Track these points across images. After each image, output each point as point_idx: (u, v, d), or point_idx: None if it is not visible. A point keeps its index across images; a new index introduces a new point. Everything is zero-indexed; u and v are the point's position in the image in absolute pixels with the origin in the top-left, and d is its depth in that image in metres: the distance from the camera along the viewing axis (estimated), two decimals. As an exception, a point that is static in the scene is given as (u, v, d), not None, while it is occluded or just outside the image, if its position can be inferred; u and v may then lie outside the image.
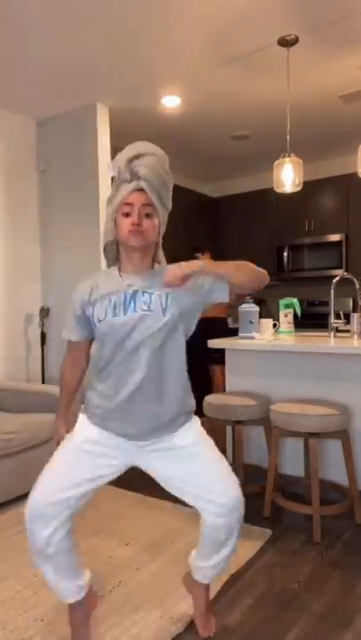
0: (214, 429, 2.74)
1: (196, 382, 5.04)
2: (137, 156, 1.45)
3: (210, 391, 4.60)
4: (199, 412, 4.92)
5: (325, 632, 1.73)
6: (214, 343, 2.98)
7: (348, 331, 3.22)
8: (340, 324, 3.13)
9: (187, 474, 1.54)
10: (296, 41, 2.92)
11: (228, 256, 5.58)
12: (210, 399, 2.81)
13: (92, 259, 3.83)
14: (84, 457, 1.52)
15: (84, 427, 1.57)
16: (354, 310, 4.98)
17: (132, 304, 1.47)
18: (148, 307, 1.47)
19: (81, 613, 1.64)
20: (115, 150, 3.99)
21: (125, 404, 1.50)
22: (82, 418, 1.60)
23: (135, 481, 2.80)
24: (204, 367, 4.66)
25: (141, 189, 1.45)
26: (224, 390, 4.16)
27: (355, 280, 3.10)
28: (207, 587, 1.72)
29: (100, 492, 2.91)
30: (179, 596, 1.92)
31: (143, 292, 1.49)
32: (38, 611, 1.86)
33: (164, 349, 1.50)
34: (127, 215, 1.46)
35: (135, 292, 1.49)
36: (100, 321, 1.48)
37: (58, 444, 1.66)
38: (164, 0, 2.54)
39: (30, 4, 2.55)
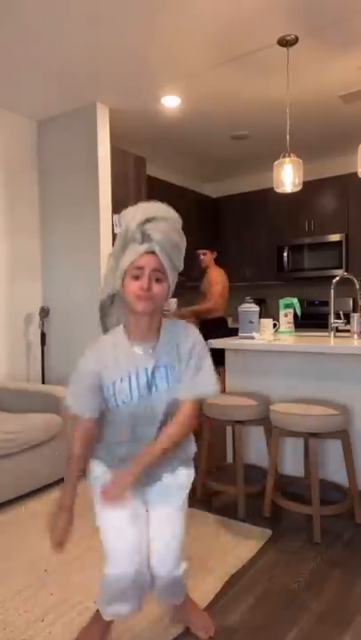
0: (214, 429, 2.75)
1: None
2: (149, 220, 1.38)
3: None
4: (199, 411, 4.90)
5: (325, 632, 1.73)
6: (214, 343, 2.98)
7: (348, 331, 3.21)
8: (340, 323, 3.13)
9: (157, 515, 1.56)
10: (296, 41, 2.92)
11: (228, 256, 5.58)
12: (210, 399, 2.80)
13: (92, 259, 3.83)
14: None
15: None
16: (354, 310, 4.98)
17: (153, 383, 1.46)
18: (167, 383, 1.46)
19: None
20: (115, 150, 4.00)
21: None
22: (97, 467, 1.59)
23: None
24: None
25: (153, 252, 1.38)
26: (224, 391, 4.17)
27: (355, 280, 3.10)
28: (186, 601, 1.73)
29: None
30: (179, 596, 1.93)
31: (160, 366, 1.46)
32: (38, 611, 1.86)
33: (169, 412, 1.50)
34: (136, 278, 1.39)
35: (154, 370, 1.46)
36: (124, 403, 1.45)
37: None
38: (164, 0, 2.54)
39: (30, 4, 2.55)
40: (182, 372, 1.48)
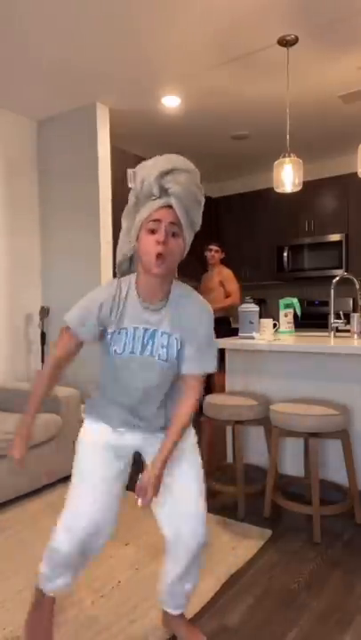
0: (214, 429, 2.75)
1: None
2: (169, 172, 1.33)
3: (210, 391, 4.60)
4: (199, 411, 4.90)
5: (325, 632, 1.73)
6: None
7: (348, 331, 3.22)
8: (340, 323, 3.13)
9: (179, 472, 1.54)
10: (296, 41, 2.92)
11: (228, 256, 5.58)
12: (210, 399, 2.81)
13: (92, 258, 3.84)
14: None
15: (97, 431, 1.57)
16: (354, 310, 4.98)
17: (149, 345, 1.44)
18: (166, 352, 1.44)
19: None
20: (115, 150, 3.99)
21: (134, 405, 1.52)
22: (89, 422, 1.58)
23: (135, 481, 2.80)
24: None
25: (170, 206, 1.34)
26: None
27: (355, 280, 3.10)
28: (182, 614, 1.72)
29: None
30: (179, 595, 1.93)
31: (162, 333, 1.44)
32: (38, 611, 1.86)
33: (162, 387, 1.51)
34: (152, 232, 1.34)
35: (155, 331, 1.44)
36: (117, 354, 1.44)
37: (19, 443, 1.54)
38: (164, 0, 2.54)
39: (31, 4, 2.55)
40: (191, 344, 1.45)
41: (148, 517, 2.60)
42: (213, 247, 4.82)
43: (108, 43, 2.92)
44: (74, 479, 1.56)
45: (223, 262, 4.94)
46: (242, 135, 4.50)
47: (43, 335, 4.04)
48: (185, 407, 1.48)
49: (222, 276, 4.76)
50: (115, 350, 1.44)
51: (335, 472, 2.81)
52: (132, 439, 1.55)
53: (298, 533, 2.44)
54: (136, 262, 1.48)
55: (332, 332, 3.12)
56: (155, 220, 1.34)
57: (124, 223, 1.46)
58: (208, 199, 5.72)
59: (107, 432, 1.53)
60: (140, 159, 4.25)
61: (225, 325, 4.68)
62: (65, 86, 3.48)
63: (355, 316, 3.00)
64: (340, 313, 3.50)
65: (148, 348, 1.44)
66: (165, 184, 1.33)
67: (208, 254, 4.84)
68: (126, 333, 1.43)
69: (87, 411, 1.58)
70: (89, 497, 1.51)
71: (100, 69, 3.24)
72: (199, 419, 4.85)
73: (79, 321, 1.45)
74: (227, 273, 4.80)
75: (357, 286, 3.10)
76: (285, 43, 2.92)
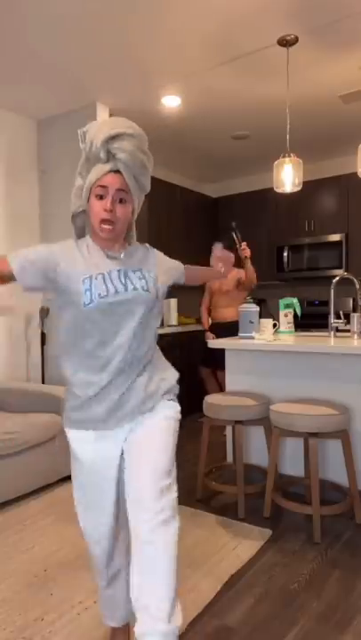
0: (214, 429, 2.77)
1: (196, 382, 5.00)
2: (115, 137, 1.34)
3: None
4: (199, 411, 4.89)
5: (325, 632, 1.73)
6: (214, 343, 2.98)
7: (348, 331, 3.21)
8: (340, 323, 3.13)
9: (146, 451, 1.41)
10: (296, 41, 2.92)
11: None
12: (210, 399, 2.81)
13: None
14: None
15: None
16: (354, 310, 4.97)
17: (128, 282, 1.41)
18: (145, 282, 1.44)
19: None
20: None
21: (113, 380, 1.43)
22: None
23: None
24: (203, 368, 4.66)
25: (118, 171, 1.36)
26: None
27: (355, 280, 3.10)
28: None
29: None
30: (180, 595, 1.92)
31: (134, 270, 1.44)
32: (38, 611, 1.86)
33: (148, 324, 1.47)
34: (100, 198, 1.37)
35: (127, 270, 1.43)
36: (101, 297, 1.36)
37: None
38: (164, 0, 2.54)
39: (31, 4, 2.55)
40: (166, 271, 1.55)
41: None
42: (218, 245, 4.70)
43: (108, 43, 2.92)
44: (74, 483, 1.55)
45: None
46: (242, 135, 4.50)
47: (43, 335, 4.04)
48: None
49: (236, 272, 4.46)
50: (99, 294, 1.36)
51: (335, 472, 2.81)
52: (117, 437, 1.46)
53: (298, 533, 2.44)
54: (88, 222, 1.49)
55: (332, 332, 3.12)
56: (102, 186, 1.36)
57: (77, 180, 1.46)
58: (208, 199, 5.72)
59: (89, 439, 1.46)
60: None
61: (234, 329, 4.60)
62: (65, 86, 3.48)
63: (355, 316, 3.00)
64: (341, 313, 3.50)
65: (129, 284, 1.41)
66: (112, 149, 1.35)
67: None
68: (103, 278, 1.39)
69: (65, 423, 1.52)
70: (96, 511, 1.51)
71: (100, 69, 3.24)
72: (199, 419, 4.87)
73: (25, 263, 1.36)
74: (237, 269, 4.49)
75: (357, 286, 3.10)
76: (285, 43, 2.92)
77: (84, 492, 1.51)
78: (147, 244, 1.60)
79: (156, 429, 1.44)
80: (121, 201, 1.39)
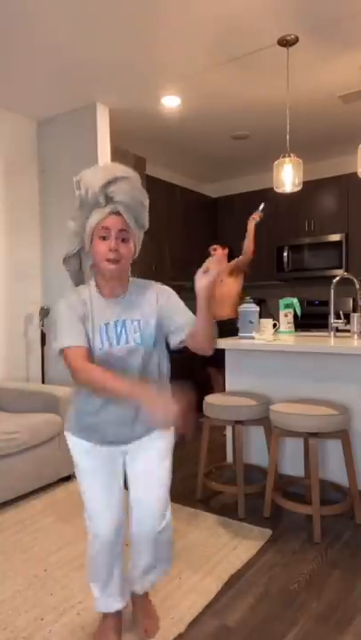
0: (214, 429, 2.77)
1: (197, 383, 5.00)
2: (110, 182, 1.43)
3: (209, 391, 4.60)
4: (199, 412, 4.91)
5: (325, 632, 1.73)
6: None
7: (348, 331, 3.21)
8: (340, 323, 3.13)
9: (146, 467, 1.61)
10: (296, 41, 2.92)
11: (227, 256, 5.56)
12: (210, 399, 2.81)
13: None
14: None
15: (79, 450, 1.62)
16: (354, 310, 4.97)
17: (123, 334, 1.51)
18: (139, 336, 1.51)
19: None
20: (115, 150, 3.99)
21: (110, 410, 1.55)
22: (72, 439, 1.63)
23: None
24: (204, 368, 4.66)
25: (118, 213, 1.45)
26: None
27: (355, 280, 3.10)
28: (145, 596, 1.78)
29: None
30: (180, 595, 1.93)
31: (132, 320, 1.52)
32: (38, 611, 1.86)
33: (148, 368, 1.57)
34: (103, 239, 1.46)
35: (125, 321, 1.52)
36: (100, 349, 1.49)
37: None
38: (164, 0, 2.54)
39: (31, 4, 2.55)
40: (169, 317, 1.53)
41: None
42: (218, 247, 4.71)
43: (108, 43, 2.92)
44: (79, 480, 1.63)
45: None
46: (242, 135, 4.50)
47: (43, 335, 4.04)
48: None
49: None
50: (96, 346, 1.49)
51: (335, 472, 2.81)
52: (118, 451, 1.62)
53: (298, 533, 2.44)
54: (92, 265, 1.56)
55: (332, 332, 3.12)
56: (105, 228, 1.45)
57: (72, 225, 1.53)
58: (208, 199, 5.72)
59: (89, 449, 1.60)
60: (139, 159, 4.25)
61: (232, 327, 4.63)
62: (65, 86, 3.48)
63: (355, 316, 3.00)
64: (341, 313, 3.50)
65: (123, 336, 1.51)
66: (110, 193, 1.43)
67: (214, 253, 4.74)
68: (100, 330, 1.50)
69: (66, 427, 1.64)
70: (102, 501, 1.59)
71: (100, 69, 3.24)
72: (199, 419, 4.86)
73: (79, 332, 1.49)
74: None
75: (357, 286, 3.10)
76: (285, 43, 2.92)
77: (92, 481, 1.61)
78: (149, 281, 1.62)
79: (155, 456, 1.61)
80: (123, 240, 1.47)
